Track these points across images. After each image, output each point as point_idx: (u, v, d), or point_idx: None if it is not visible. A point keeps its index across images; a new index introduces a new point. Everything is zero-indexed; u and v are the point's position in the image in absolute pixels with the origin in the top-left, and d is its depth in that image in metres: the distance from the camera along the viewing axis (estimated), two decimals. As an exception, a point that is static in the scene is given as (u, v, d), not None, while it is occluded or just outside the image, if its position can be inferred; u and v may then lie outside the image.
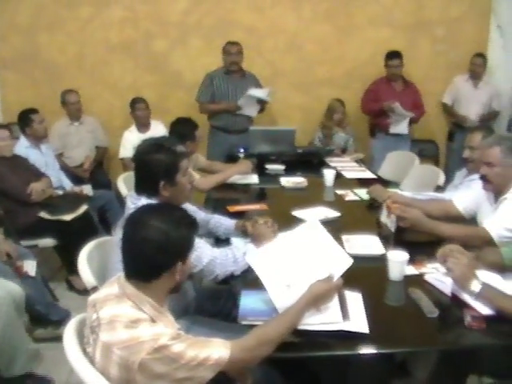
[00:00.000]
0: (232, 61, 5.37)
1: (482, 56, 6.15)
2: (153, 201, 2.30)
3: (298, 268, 2.04)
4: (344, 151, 5.45)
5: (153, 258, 1.67)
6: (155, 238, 1.66)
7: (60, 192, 4.43)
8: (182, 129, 3.85)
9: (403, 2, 6.26)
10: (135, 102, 5.49)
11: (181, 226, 1.72)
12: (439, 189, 3.96)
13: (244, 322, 1.93)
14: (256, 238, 2.57)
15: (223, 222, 2.90)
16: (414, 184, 4.16)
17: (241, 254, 2.38)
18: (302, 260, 2.07)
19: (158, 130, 5.22)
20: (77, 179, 5.01)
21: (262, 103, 5.42)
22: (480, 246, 2.60)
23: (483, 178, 2.85)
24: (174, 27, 5.91)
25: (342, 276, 2.04)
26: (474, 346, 2.01)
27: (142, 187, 2.39)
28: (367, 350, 1.86)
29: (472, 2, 6.38)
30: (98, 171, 5.60)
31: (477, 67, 6.12)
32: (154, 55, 5.94)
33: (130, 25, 5.84)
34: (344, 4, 6.16)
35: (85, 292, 2.04)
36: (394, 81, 5.89)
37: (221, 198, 3.64)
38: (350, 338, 1.87)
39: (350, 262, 2.13)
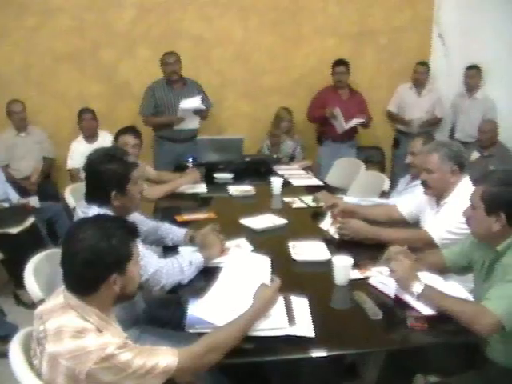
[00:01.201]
0: (171, 70, 5.36)
1: (424, 64, 6.34)
2: (104, 210, 2.30)
3: (240, 293, 2.09)
4: (292, 159, 5.51)
5: (83, 272, 1.65)
6: (83, 253, 1.64)
7: (6, 205, 4.33)
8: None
9: (348, 12, 6.39)
10: (82, 113, 5.43)
11: (112, 238, 1.69)
12: (384, 194, 4.05)
13: (191, 331, 1.93)
14: (204, 247, 2.60)
15: (172, 231, 2.90)
16: (360, 190, 4.24)
17: (187, 262, 2.39)
18: (244, 286, 2.14)
19: (106, 140, 5.17)
20: (24, 191, 4.91)
21: (200, 112, 5.40)
22: (423, 249, 2.68)
23: (424, 183, 2.95)
24: (122, 37, 5.86)
25: (280, 278, 2.09)
26: (418, 346, 2.07)
27: (93, 196, 2.39)
28: (314, 353, 1.88)
29: (414, 11, 6.56)
30: (46, 183, 5.49)
31: (420, 75, 6.30)
32: (102, 65, 5.87)
33: (77, 34, 5.75)
34: (291, 14, 6.24)
35: (33, 306, 2.00)
36: (340, 89, 5.98)
37: (169, 208, 3.62)
38: (299, 342, 1.90)
39: (267, 259, 2.24)
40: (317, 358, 1.89)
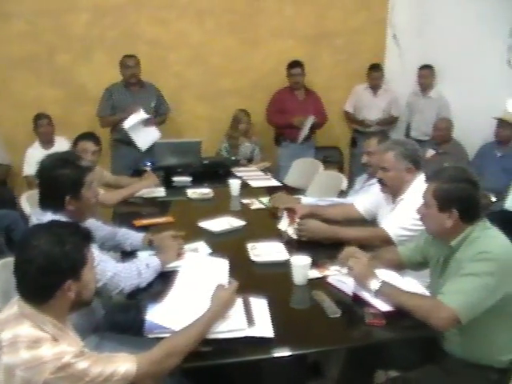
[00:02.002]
0: (130, 73, 5.32)
1: (378, 68, 6.45)
2: (58, 216, 2.26)
3: (197, 297, 2.09)
4: (250, 161, 5.51)
5: (37, 280, 1.63)
6: (36, 259, 1.61)
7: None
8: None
9: (305, 14, 6.45)
10: (38, 118, 5.35)
11: (66, 244, 1.66)
12: (342, 194, 4.09)
13: (150, 336, 1.91)
14: (161, 251, 2.59)
15: (130, 235, 2.87)
16: (318, 190, 4.27)
17: (144, 265, 2.38)
18: (200, 290, 2.14)
19: (63, 146, 5.09)
20: (-22, 199, 4.82)
21: (148, 121, 5.28)
22: (380, 246, 2.72)
23: (380, 181, 3.00)
24: (77, 41, 5.78)
25: (238, 279, 2.11)
26: (377, 342, 2.09)
27: (46, 202, 2.35)
28: (275, 353, 1.89)
29: (369, 13, 6.66)
30: (2, 190, 5.39)
31: (374, 80, 6.44)
32: (58, 69, 5.77)
33: (32, 38, 5.64)
34: (247, 17, 6.26)
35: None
36: (296, 90, 6.03)
37: (128, 213, 3.59)
38: (258, 343, 1.90)
39: (225, 262, 2.27)
40: (277, 358, 1.89)
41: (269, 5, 6.31)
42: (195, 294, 2.14)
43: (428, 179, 2.32)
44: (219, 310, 1.94)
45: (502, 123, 5.03)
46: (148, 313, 2.06)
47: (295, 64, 5.98)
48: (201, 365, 1.86)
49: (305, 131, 5.84)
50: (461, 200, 2.17)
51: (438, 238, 2.33)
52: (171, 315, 2.01)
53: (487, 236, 2.17)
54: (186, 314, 1.95)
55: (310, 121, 5.80)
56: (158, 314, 2.03)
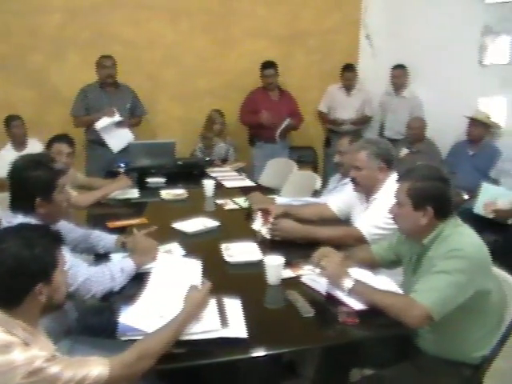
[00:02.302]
0: (107, 74, 5.28)
1: (351, 68, 6.49)
2: (29, 218, 2.24)
3: (170, 299, 2.08)
4: (225, 161, 5.50)
5: (7, 284, 1.61)
6: (5, 263, 1.60)
7: None
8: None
9: (279, 14, 6.46)
10: (10, 120, 5.27)
11: (36, 247, 1.65)
12: (316, 193, 4.10)
13: (123, 338, 1.90)
14: (136, 253, 2.56)
15: (103, 238, 2.84)
16: (292, 190, 4.28)
17: (118, 269, 2.35)
18: (173, 291, 2.13)
19: (36, 148, 5.03)
20: None
21: (122, 123, 5.25)
22: (353, 245, 2.73)
23: (353, 180, 3.01)
24: (50, 41, 5.70)
25: (212, 280, 2.10)
26: (351, 341, 2.09)
27: (17, 204, 2.32)
28: (249, 353, 1.89)
29: (342, 13, 6.71)
30: (-27, 193, 5.32)
31: (348, 80, 6.47)
32: (30, 70, 5.69)
33: (2, 39, 5.56)
34: (221, 17, 6.26)
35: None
36: (270, 90, 6.04)
37: (102, 215, 3.56)
38: (233, 343, 1.90)
39: (198, 263, 2.27)
40: (252, 358, 1.89)
41: (242, 5, 6.32)
42: (168, 295, 2.13)
43: (400, 178, 2.33)
44: (192, 311, 1.93)
45: (473, 122, 5.08)
46: (121, 315, 2.04)
47: (268, 65, 5.99)
48: (175, 366, 1.84)
49: (280, 130, 5.85)
50: (435, 197, 2.19)
51: (411, 237, 2.35)
52: (144, 317, 2.00)
53: (458, 233, 2.19)
54: (159, 316, 1.95)
55: (287, 122, 5.83)
56: (130, 317, 2.02)
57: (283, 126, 5.85)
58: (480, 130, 5.05)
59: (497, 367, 2.28)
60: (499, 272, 2.38)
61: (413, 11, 6.11)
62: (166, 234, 2.95)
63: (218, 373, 2.10)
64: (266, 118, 5.79)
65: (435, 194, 2.20)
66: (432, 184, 2.21)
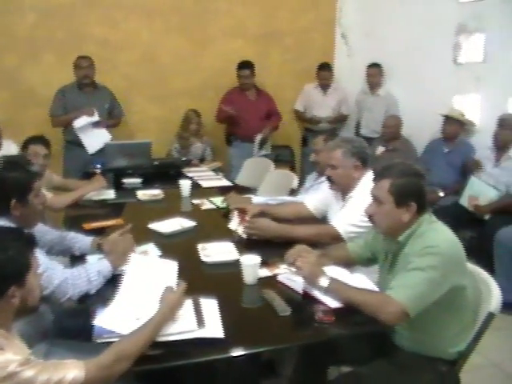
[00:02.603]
0: (84, 74, 5.25)
1: (327, 67, 6.51)
2: (3, 221, 2.22)
3: (145, 300, 2.07)
4: (202, 161, 5.50)
5: None
6: None
7: None
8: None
9: (254, 13, 6.48)
10: (-17, 121, 5.22)
11: (9, 250, 1.63)
12: (293, 192, 4.11)
13: (99, 340, 1.89)
14: (112, 254, 2.54)
15: (79, 240, 2.82)
16: (269, 189, 4.29)
17: (94, 271, 2.33)
18: (148, 293, 2.11)
19: (11, 149, 4.95)
20: None
21: (99, 124, 5.23)
22: (330, 243, 2.74)
23: (329, 179, 3.03)
24: (24, 41, 5.65)
25: (189, 280, 2.09)
26: (328, 339, 2.09)
27: None
28: (226, 353, 1.89)
29: (318, 13, 6.74)
30: None
31: (324, 79, 6.51)
32: (3, 71, 5.62)
33: (-25, 40, 5.52)
34: (197, 16, 6.25)
35: None
36: (246, 90, 6.04)
37: (78, 216, 3.52)
38: (210, 343, 1.89)
39: (174, 263, 2.24)
40: (229, 358, 1.89)
41: (218, 4, 6.32)
42: (143, 296, 2.12)
43: (378, 177, 2.32)
44: (168, 312, 1.92)
45: (448, 120, 5.13)
46: (96, 318, 2.03)
47: (244, 65, 5.99)
48: (152, 368, 1.83)
49: (256, 148, 5.88)
50: (416, 193, 2.21)
51: (389, 234, 2.33)
52: (119, 319, 1.99)
53: (433, 230, 2.21)
54: (135, 318, 1.93)
55: (258, 138, 5.86)
56: (106, 319, 2.00)
57: (258, 142, 5.87)
58: (454, 127, 5.11)
59: (472, 362, 2.31)
60: (474, 268, 2.41)
61: (388, 10, 6.16)
62: (143, 235, 2.93)
63: (195, 373, 2.09)
64: (231, 109, 5.80)
65: (416, 190, 2.22)
66: (412, 180, 2.22)
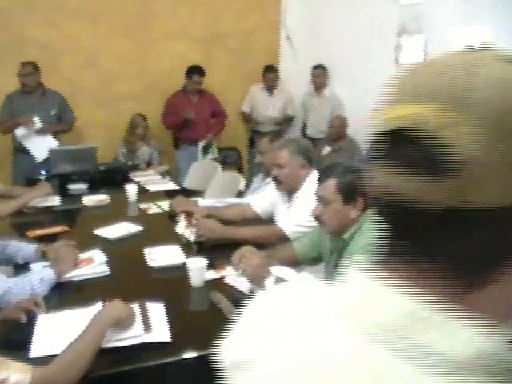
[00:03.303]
0: (23, 82, 5.16)
1: (273, 69, 6.56)
2: None
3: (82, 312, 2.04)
4: (149, 165, 5.47)
5: None
6: None
7: None
8: None
9: (199, 16, 6.46)
10: None
11: None
12: (240, 194, 4.13)
13: (35, 355, 1.84)
14: (56, 262, 2.51)
15: (22, 248, 2.76)
16: (217, 192, 4.29)
17: (37, 280, 2.30)
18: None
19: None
20: None
21: (45, 131, 5.13)
22: (277, 244, 2.76)
23: (275, 179, 3.04)
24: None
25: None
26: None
27: None
28: (173, 357, 1.89)
29: (262, 14, 6.77)
30: None
31: (269, 81, 6.55)
32: None
33: None
34: (141, 19, 6.20)
35: None
36: (191, 94, 6.04)
37: (23, 224, 3.46)
38: (158, 348, 1.89)
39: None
40: (177, 361, 1.89)
41: (162, 7, 6.28)
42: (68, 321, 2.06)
43: (322, 177, 2.34)
44: (109, 317, 1.88)
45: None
46: (35, 329, 1.99)
47: (196, 70, 5.96)
48: (100, 374, 1.81)
49: (200, 155, 5.93)
50: (362, 188, 2.23)
51: (336, 233, 2.35)
52: (58, 331, 1.96)
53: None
54: (73, 328, 1.88)
55: (201, 145, 5.92)
56: (44, 330, 1.97)
57: (201, 148, 5.91)
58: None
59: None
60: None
61: (331, 12, 6.23)
62: (88, 241, 2.90)
63: (146, 378, 2.08)
64: (188, 114, 5.78)
65: (361, 186, 2.25)
66: (356, 176, 2.25)
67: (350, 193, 2.23)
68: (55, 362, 1.68)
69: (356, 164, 2.34)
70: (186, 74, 5.97)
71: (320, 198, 2.32)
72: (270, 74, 6.50)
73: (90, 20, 6.00)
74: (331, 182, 2.26)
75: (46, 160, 4.90)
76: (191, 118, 5.78)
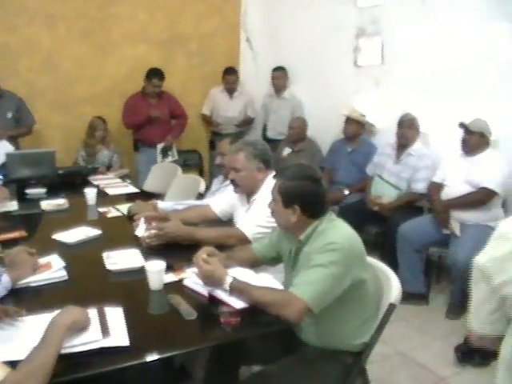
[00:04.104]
0: None
1: (233, 71, 6.59)
2: None
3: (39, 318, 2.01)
4: (109, 168, 5.43)
5: None
6: None
7: None
8: None
9: (158, 18, 6.47)
10: None
11: None
12: (201, 196, 4.13)
13: None
14: (13, 267, 2.48)
15: (-23, 254, 2.73)
16: (177, 194, 4.30)
17: None
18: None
19: None
20: None
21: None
22: (237, 245, 2.77)
23: (232, 182, 3.06)
24: None
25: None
26: (235, 340, 2.12)
27: None
28: (132, 361, 1.87)
29: (222, 17, 6.80)
30: None
31: (230, 83, 6.59)
32: None
33: None
34: (99, 22, 6.17)
35: None
36: (151, 96, 6.03)
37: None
38: (117, 352, 1.87)
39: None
40: (137, 364, 1.87)
41: (121, 9, 6.26)
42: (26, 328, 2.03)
43: (275, 176, 2.41)
44: (64, 322, 1.85)
45: (348, 120, 5.30)
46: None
47: (155, 73, 5.95)
48: (58, 381, 1.79)
49: (159, 158, 5.97)
50: (302, 197, 2.25)
51: (289, 232, 2.40)
52: (13, 338, 1.93)
53: (333, 227, 2.26)
54: (32, 335, 1.86)
55: (159, 148, 5.95)
56: (5, 334, 1.95)
57: (159, 151, 5.92)
58: (354, 127, 5.27)
59: (380, 352, 2.39)
60: (375, 262, 2.49)
61: (290, 14, 6.29)
62: (46, 246, 2.86)
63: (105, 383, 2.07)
64: (154, 113, 5.80)
65: (302, 194, 2.25)
66: (300, 183, 2.26)
67: (289, 198, 2.26)
68: (19, 369, 1.65)
69: (309, 171, 2.35)
70: (146, 76, 5.95)
71: (271, 194, 2.37)
72: (230, 76, 6.52)
73: (49, 22, 5.96)
74: (277, 183, 2.32)
75: (3, 165, 4.82)
76: (156, 116, 5.79)
